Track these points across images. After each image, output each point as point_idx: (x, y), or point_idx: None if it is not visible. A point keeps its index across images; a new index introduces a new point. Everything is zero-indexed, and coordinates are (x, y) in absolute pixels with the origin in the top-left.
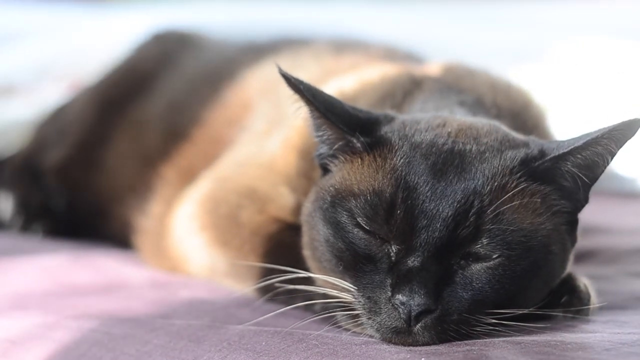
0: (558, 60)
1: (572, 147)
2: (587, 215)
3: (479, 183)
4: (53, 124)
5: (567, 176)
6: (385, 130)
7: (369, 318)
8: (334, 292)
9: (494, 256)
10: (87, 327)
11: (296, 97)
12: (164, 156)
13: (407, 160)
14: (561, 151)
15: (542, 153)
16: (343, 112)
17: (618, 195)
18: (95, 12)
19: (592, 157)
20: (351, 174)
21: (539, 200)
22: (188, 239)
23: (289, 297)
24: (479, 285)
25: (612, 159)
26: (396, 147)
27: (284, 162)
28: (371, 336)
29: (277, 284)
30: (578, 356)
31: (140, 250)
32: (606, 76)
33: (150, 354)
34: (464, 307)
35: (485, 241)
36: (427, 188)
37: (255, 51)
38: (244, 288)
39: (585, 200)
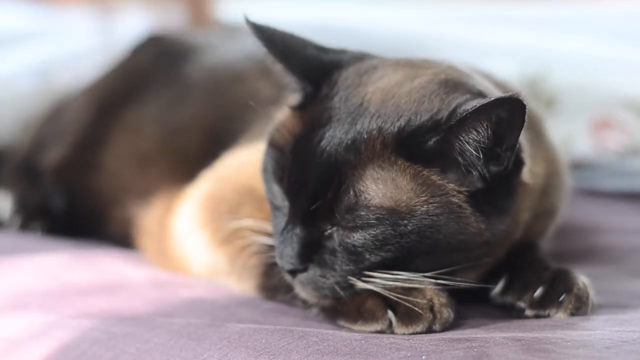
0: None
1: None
2: (588, 215)
3: (341, 154)
4: (51, 124)
5: (456, 152)
6: (334, 78)
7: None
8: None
9: (354, 228)
10: (87, 326)
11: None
12: (161, 156)
13: (315, 116)
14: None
15: (427, 126)
16: (301, 56)
17: (618, 195)
18: (94, 13)
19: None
20: (283, 121)
21: (409, 177)
22: (188, 238)
23: (290, 296)
24: (346, 251)
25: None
26: (316, 101)
27: None
28: None
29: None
30: (579, 354)
31: (142, 251)
32: (602, 77)
33: (151, 352)
34: (336, 270)
35: (347, 216)
36: (309, 154)
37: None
38: (245, 286)
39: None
